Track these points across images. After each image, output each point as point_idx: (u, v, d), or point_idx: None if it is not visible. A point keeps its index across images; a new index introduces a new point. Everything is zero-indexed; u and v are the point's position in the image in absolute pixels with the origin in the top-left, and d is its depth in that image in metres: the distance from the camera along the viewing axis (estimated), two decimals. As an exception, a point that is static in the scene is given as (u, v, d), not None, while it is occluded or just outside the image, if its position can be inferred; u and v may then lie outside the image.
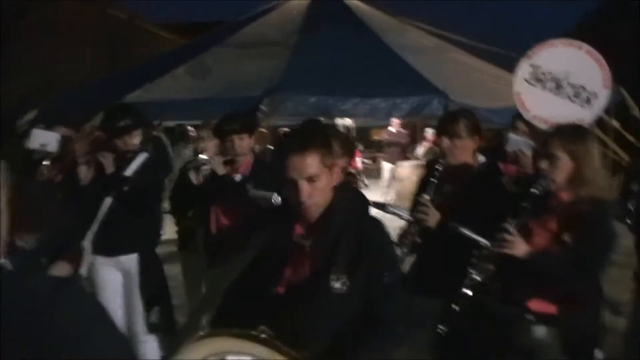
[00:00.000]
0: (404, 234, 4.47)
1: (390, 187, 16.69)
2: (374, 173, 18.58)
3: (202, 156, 5.93)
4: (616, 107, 9.02)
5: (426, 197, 4.41)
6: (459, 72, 11.19)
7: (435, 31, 13.21)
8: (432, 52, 11.84)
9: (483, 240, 3.76)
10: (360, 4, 13.74)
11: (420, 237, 4.43)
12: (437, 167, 4.49)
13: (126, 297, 5.51)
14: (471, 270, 3.79)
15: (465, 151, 4.53)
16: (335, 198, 2.96)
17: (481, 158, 4.69)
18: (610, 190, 3.99)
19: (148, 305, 5.56)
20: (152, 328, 5.62)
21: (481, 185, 4.45)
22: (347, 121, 13.07)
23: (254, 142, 5.98)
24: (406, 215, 3.92)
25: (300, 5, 13.60)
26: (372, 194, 13.99)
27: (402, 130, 17.00)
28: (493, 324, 3.71)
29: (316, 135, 2.97)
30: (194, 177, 5.75)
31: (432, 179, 4.49)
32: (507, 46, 11.67)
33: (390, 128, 16.97)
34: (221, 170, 5.61)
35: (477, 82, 10.91)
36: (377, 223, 3.06)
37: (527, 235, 3.76)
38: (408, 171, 15.34)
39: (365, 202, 3.66)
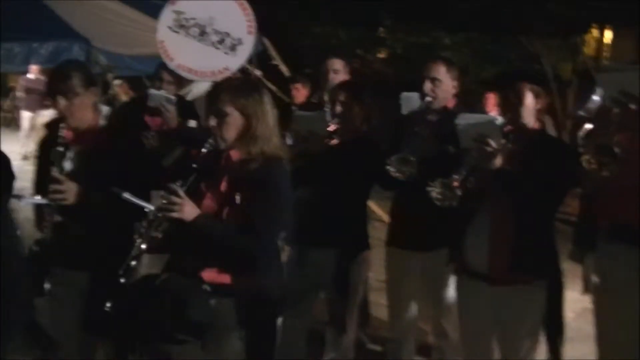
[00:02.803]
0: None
1: (29, 137, 15.94)
2: (13, 123, 17.54)
3: None
4: (258, 57, 9.31)
5: (56, 171, 4.01)
6: (103, 18, 10.82)
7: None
8: (76, -4, 11.30)
9: (147, 205, 3.52)
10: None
11: (61, 214, 4.07)
12: (60, 133, 4.10)
13: None
14: (137, 239, 3.50)
15: (86, 108, 4.19)
16: None
17: (105, 108, 4.40)
18: (284, 148, 3.81)
19: None
20: None
21: (110, 143, 4.18)
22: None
23: None
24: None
25: None
26: (11, 144, 13.22)
27: (40, 77, 16.18)
28: (166, 297, 3.46)
29: None
30: None
31: (57, 148, 4.10)
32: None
33: (28, 75, 16.21)
34: None
35: (122, 29, 10.64)
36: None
37: (198, 198, 3.54)
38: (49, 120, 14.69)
39: None
